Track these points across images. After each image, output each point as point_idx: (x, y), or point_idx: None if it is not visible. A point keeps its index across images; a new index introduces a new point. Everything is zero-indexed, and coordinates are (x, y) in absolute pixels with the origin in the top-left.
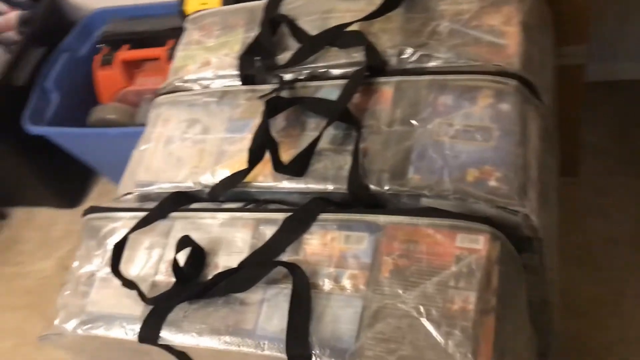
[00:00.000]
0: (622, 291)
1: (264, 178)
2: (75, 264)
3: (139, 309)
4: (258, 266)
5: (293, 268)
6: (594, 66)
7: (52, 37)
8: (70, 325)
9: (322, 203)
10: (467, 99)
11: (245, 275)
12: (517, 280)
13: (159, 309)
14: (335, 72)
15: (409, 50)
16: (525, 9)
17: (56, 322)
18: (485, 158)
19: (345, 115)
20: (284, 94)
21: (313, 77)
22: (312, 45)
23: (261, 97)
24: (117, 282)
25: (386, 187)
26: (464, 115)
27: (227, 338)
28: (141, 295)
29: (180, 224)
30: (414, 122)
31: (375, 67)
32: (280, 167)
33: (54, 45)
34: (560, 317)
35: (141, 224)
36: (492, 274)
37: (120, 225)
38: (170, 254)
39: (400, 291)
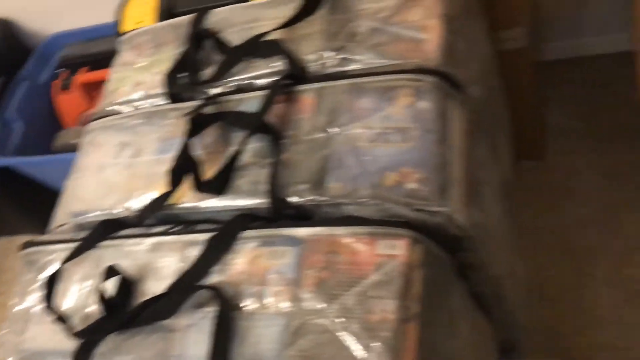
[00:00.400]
0: (592, 273)
1: (188, 198)
2: (13, 300)
3: (71, 344)
4: (182, 291)
5: (215, 290)
6: (556, 44)
7: (10, 67)
8: None
9: (244, 220)
10: (386, 100)
11: (168, 301)
12: (448, 281)
13: (87, 343)
14: (260, 82)
15: (329, 55)
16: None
17: None
18: (404, 160)
19: (265, 127)
20: (209, 109)
21: (240, 89)
22: (233, 57)
23: (186, 114)
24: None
25: (306, 198)
26: (383, 117)
27: None
28: (68, 329)
29: (109, 253)
30: (333, 129)
31: (296, 75)
32: (200, 186)
33: (13, 75)
34: (533, 304)
35: (72, 256)
36: (414, 280)
37: (54, 258)
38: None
39: (321, 305)
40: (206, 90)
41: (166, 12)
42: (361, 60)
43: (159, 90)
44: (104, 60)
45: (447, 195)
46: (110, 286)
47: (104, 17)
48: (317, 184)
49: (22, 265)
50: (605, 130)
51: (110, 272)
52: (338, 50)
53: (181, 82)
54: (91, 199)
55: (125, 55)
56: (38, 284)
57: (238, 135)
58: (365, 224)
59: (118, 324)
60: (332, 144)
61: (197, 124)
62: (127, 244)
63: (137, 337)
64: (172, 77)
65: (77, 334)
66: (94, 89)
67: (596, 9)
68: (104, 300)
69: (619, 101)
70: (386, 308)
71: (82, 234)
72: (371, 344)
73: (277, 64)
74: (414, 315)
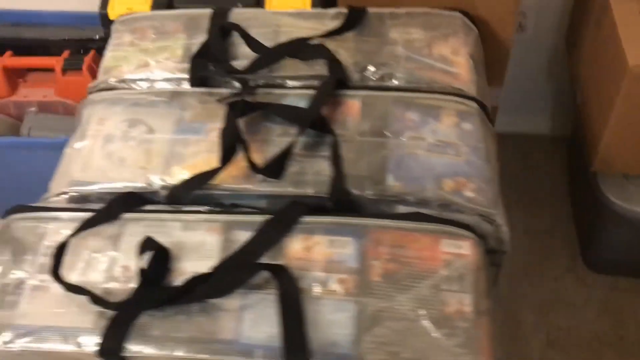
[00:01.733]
0: (520, 319)
1: (234, 180)
2: None
3: (89, 319)
4: (238, 270)
5: (280, 270)
6: None
7: None
8: None
9: (303, 207)
10: (432, 116)
11: (225, 279)
12: (491, 286)
13: (122, 317)
14: (293, 82)
15: (372, 68)
16: (471, 42)
17: None
18: (459, 171)
19: (318, 123)
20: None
21: (268, 85)
22: (273, 54)
23: (221, 99)
24: (54, 290)
25: (368, 192)
26: (432, 131)
27: (207, 346)
28: (98, 299)
29: (132, 227)
30: (387, 133)
31: (342, 80)
32: (257, 168)
33: None
34: None
35: (86, 226)
36: (480, 278)
37: (56, 227)
38: (122, 259)
39: (394, 294)
40: (242, 79)
41: (164, 3)
42: (402, 78)
43: (172, 74)
44: (32, 48)
45: (499, 207)
46: (143, 261)
47: (41, 3)
48: (378, 180)
49: (5, 232)
50: (528, 195)
51: (147, 244)
52: (380, 65)
53: (209, 68)
54: (99, 170)
55: (123, 37)
56: (33, 254)
57: (276, 127)
58: (433, 222)
59: (162, 298)
60: (389, 147)
61: (238, 110)
62: (159, 218)
63: (178, 316)
64: (199, 62)
65: (113, 306)
66: (17, 76)
67: (515, 91)
68: (144, 272)
69: (540, 174)
70: (462, 301)
71: (87, 206)
72: (452, 333)
73: (318, 68)
74: (486, 311)
